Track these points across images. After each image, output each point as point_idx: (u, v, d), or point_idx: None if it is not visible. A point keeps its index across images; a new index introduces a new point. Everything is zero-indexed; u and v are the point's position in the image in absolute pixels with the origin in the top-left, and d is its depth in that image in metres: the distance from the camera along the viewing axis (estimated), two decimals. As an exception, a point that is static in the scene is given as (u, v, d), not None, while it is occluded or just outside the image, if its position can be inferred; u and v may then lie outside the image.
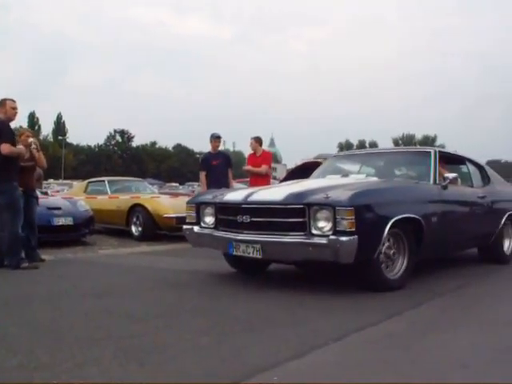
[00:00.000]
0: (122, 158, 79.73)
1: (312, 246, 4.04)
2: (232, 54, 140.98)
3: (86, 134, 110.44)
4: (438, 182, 5.15)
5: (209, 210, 4.99)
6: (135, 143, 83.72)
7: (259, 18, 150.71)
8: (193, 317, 3.54)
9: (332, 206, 3.97)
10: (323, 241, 3.97)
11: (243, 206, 4.54)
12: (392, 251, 4.41)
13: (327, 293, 4.27)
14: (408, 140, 76.99)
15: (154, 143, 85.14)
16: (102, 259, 6.83)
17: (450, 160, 6.27)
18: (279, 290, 4.44)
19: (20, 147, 5.78)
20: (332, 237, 3.93)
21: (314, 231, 4.08)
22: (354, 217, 3.90)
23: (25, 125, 76.18)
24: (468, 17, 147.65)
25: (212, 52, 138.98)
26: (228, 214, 4.72)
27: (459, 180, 5.84)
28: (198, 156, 61.04)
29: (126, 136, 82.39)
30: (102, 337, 3.01)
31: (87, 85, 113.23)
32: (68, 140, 75.65)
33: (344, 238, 3.89)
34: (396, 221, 4.23)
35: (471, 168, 6.28)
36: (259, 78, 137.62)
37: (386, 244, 4.34)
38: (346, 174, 5.67)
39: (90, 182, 11.65)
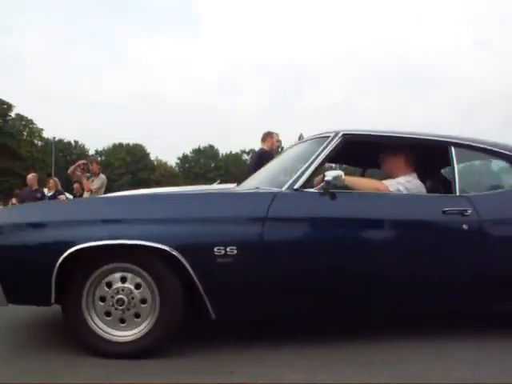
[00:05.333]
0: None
1: None
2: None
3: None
4: (296, 187, 3.04)
5: None
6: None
7: None
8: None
9: None
10: None
11: None
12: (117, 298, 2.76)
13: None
14: None
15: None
16: None
17: (423, 149, 3.62)
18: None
19: None
20: None
21: None
22: None
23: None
24: None
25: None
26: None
27: (408, 183, 3.46)
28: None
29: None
30: None
31: (324, 105, 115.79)
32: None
33: None
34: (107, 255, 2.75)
35: (460, 158, 3.43)
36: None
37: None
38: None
39: None
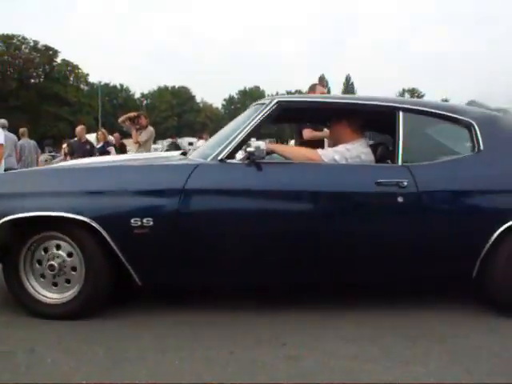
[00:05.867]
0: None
1: None
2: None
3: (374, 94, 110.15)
4: (221, 157, 3.02)
5: None
6: (425, 102, 79.31)
7: None
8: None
9: None
10: None
11: None
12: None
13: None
14: None
15: (445, 101, 78.87)
16: None
17: (372, 115, 3.44)
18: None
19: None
20: None
21: None
22: None
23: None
24: None
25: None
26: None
27: (348, 151, 3.28)
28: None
29: (416, 95, 78.90)
30: None
31: (375, 45, 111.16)
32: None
33: None
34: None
35: (407, 125, 3.19)
36: None
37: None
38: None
39: None
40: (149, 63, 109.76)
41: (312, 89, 5.50)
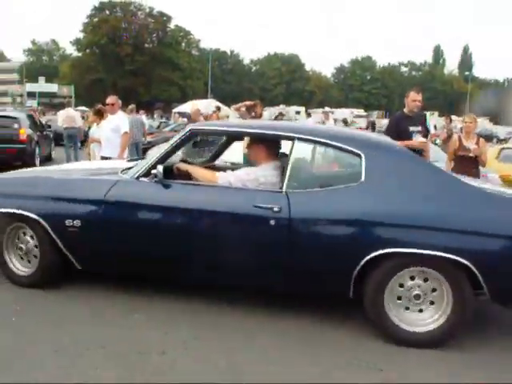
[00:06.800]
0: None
1: None
2: None
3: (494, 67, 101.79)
4: (137, 175, 3.64)
5: None
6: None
7: None
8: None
9: None
10: None
11: None
12: None
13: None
14: None
15: None
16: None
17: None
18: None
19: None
20: None
21: None
22: None
23: (429, 59, 76.38)
24: None
25: None
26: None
27: (247, 175, 3.65)
28: None
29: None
30: None
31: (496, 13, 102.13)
32: (474, 74, 71.86)
33: None
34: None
35: (298, 152, 3.52)
36: None
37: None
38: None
39: (503, 148, 9.66)
40: (260, 29, 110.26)
41: (405, 96, 5.74)
